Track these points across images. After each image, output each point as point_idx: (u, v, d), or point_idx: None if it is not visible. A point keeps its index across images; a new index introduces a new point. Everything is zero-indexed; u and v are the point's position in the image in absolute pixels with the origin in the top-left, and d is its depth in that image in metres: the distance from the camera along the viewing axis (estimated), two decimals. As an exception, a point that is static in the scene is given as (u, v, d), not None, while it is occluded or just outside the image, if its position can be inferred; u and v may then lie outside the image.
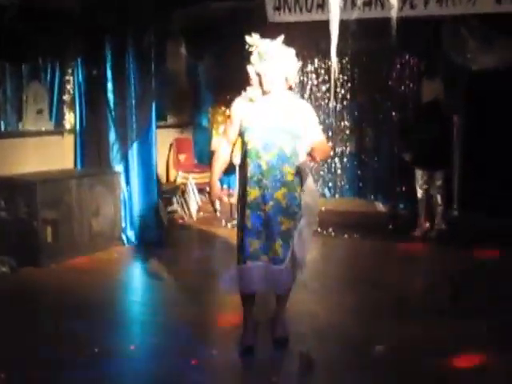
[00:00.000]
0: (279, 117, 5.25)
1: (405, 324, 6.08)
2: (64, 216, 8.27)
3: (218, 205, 6.56)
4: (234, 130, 5.41)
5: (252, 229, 5.24)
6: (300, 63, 5.46)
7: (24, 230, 7.98)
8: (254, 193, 5.26)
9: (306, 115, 5.35)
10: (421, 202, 9.38)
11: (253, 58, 5.26)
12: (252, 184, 5.26)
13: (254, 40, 5.27)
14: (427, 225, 9.43)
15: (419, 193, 9.35)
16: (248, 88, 5.39)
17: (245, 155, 5.34)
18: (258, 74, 5.24)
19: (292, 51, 5.32)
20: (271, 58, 5.19)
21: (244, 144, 5.36)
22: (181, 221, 10.62)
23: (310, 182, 5.48)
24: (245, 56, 5.41)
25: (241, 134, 5.39)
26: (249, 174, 5.27)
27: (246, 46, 5.28)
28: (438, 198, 9.30)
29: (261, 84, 5.26)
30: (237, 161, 6.55)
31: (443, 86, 9.30)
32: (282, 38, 5.29)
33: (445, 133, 9.30)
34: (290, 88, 5.47)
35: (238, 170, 5.53)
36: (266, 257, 5.27)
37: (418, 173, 9.28)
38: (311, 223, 5.47)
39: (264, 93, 5.29)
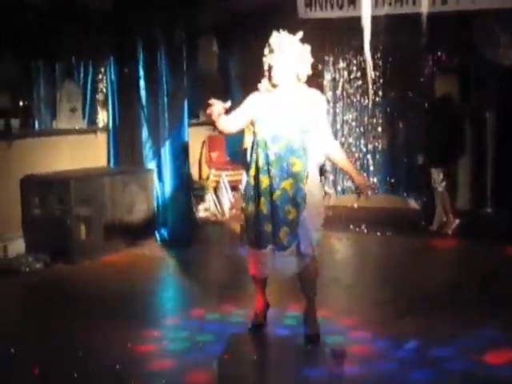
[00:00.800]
0: (288, 110, 5.32)
1: (438, 320, 6.04)
2: (97, 213, 8.34)
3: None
4: (241, 112, 5.48)
5: (266, 216, 5.34)
6: (312, 60, 5.40)
7: (58, 227, 8.06)
8: (265, 181, 5.35)
9: (316, 111, 5.40)
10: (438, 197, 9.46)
11: (265, 50, 5.35)
12: (263, 172, 5.35)
13: (276, 34, 5.34)
14: (444, 219, 9.46)
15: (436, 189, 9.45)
16: (262, 80, 5.45)
17: (256, 145, 5.42)
18: (269, 66, 5.31)
19: (307, 48, 5.36)
20: (280, 51, 5.25)
21: (255, 134, 5.46)
22: (213, 218, 10.65)
23: (315, 176, 5.51)
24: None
25: (253, 124, 5.48)
26: (260, 163, 5.36)
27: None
28: (446, 193, 9.37)
29: (269, 76, 5.35)
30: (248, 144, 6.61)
31: (457, 82, 9.29)
32: (300, 34, 5.33)
33: (454, 130, 9.27)
34: (300, 79, 5.43)
35: (249, 158, 5.54)
36: (273, 243, 5.36)
37: (434, 172, 9.36)
38: (313, 215, 5.42)
39: (273, 85, 5.36)
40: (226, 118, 5.40)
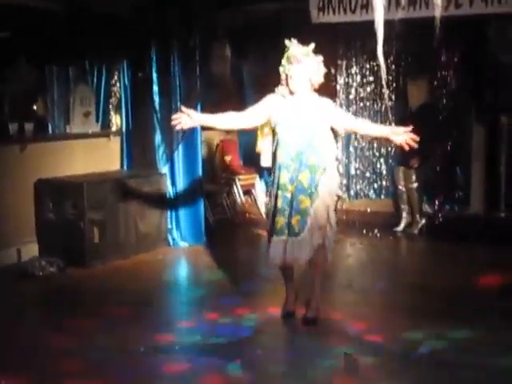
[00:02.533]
0: (305, 112, 5.89)
1: (453, 325, 6.03)
2: (110, 217, 8.36)
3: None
4: (258, 110, 6.02)
5: (281, 208, 5.88)
6: (325, 70, 5.95)
7: (71, 231, 8.10)
8: (283, 176, 5.90)
9: (331, 110, 6.02)
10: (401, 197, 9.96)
11: (283, 60, 5.88)
12: (282, 169, 5.90)
13: (289, 44, 5.91)
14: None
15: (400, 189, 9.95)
16: (279, 86, 5.99)
17: (276, 145, 5.98)
18: (286, 75, 5.87)
19: (319, 58, 5.92)
20: (297, 62, 5.82)
21: (275, 135, 6.00)
22: (226, 222, 10.66)
23: (331, 168, 6.02)
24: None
25: (273, 127, 6.03)
26: (280, 161, 5.92)
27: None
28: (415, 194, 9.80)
29: (287, 84, 5.90)
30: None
31: (430, 87, 9.38)
32: (312, 45, 5.90)
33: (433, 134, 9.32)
34: (315, 90, 6.01)
35: (271, 158, 6.15)
36: (286, 230, 5.88)
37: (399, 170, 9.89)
38: (329, 204, 5.98)
39: (291, 92, 5.92)
40: (237, 115, 6.02)
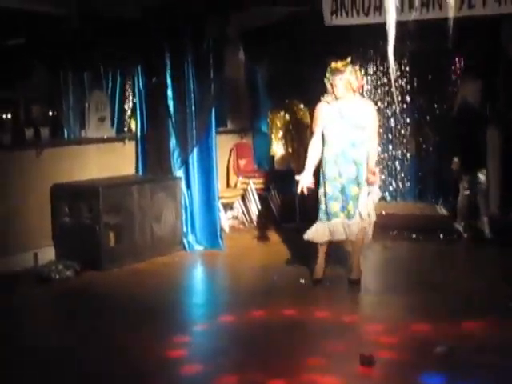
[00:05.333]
0: (349, 115, 7.13)
1: (468, 324, 6.05)
2: (126, 221, 8.41)
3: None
4: (321, 127, 7.24)
5: (332, 195, 7.17)
6: (362, 73, 7.20)
7: (87, 235, 8.15)
8: (331, 170, 7.21)
9: (369, 118, 7.21)
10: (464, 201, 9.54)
11: (327, 73, 7.15)
12: (330, 164, 7.20)
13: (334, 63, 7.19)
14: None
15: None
16: (325, 95, 7.26)
17: (325, 143, 7.23)
18: (331, 85, 7.14)
19: (356, 67, 7.35)
20: (340, 74, 7.10)
21: (325, 137, 7.22)
22: (241, 226, 10.68)
23: (372, 163, 7.22)
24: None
25: (323, 130, 7.23)
26: (328, 157, 7.20)
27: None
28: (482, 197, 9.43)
29: (333, 92, 7.15)
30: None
31: (484, 85, 9.28)
32: (349, 58, 7.20)
33: (479, 134, 9.32)
34: (355, 91, 7.28)
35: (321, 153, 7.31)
36: (343, 214, 7.17)
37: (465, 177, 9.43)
38: (373, 192, 7.26)
39: (336, 98, 7.16)
40: (318, 141, 7.28)
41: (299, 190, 7.17)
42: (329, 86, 7.21)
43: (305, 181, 7.15)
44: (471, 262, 8.61)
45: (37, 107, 10.11)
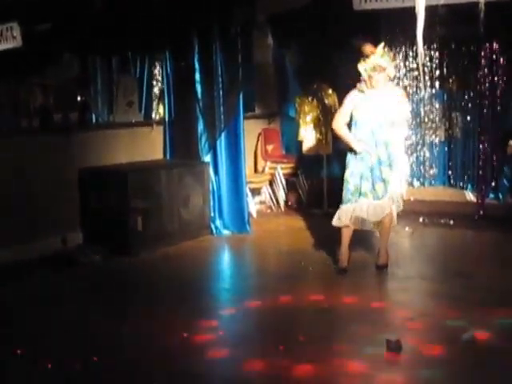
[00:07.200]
0: (380, 101, 7.12)
1: (496, 312, 5.99)
2: (154, 206, 8.43)
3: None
4: (347, 113, 7.24)
5: (363, 174, 7.14)
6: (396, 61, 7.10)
7: (115, 220, 8.19)
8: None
9: (400, 105, 7.21)
10: None
11: (367, 67, 7.09)
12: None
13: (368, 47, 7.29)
14: None
15: None
16: (359, 84, 7.20)
17: (355, 125, 7.22)
18: (369, 76, 7.10)
19: (391, 55, 7.49)
20: (382, 71, 7.08)
21: (355, 118, 7.21)
22: (269, 211, 10.69)
23: (401, 144, 7.35)
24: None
25: (353, 111, 7.22)
26: (358, 137, 7.15)
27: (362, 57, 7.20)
28: None
29: (370, 82, 7.12)
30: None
31: None
32: (382, 44, 7.19)
33: None
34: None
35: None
36: (371, 195, 7.14)
37: None
38: (403, 173, 7.29)
39: (371, 87, 7.14)
40: (342, 123, 7.29)
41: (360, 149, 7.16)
42: (365, 76, 7.13)
43: (362, 145, 7.10)
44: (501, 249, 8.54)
45: (65, 92, 10.14)
